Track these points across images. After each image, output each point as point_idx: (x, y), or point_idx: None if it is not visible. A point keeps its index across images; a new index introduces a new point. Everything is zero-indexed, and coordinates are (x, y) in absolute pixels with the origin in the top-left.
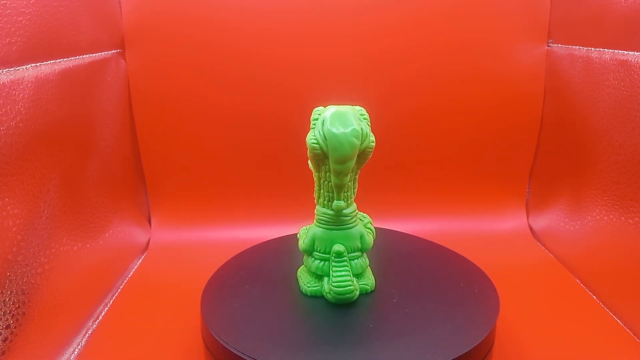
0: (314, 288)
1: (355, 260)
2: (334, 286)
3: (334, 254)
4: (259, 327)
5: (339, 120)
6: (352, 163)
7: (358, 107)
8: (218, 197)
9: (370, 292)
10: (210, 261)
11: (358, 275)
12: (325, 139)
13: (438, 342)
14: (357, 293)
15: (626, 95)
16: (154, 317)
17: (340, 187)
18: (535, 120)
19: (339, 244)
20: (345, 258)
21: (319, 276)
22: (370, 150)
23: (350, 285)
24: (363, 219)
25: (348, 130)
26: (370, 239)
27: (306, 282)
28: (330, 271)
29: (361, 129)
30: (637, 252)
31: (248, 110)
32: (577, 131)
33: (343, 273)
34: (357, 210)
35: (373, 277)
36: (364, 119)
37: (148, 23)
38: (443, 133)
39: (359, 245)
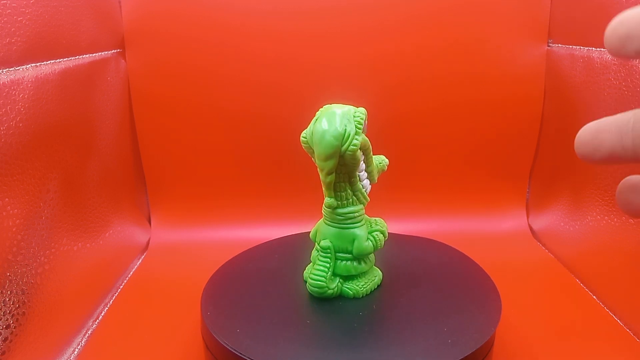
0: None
1: (344, 262)
2: (309, 277)
3: (320, 248)
4: (259, 327)
5: (327, 119)
6: (333, 162)
7: (359, 109)
8: (218, 197)
9: (354, 297)
10: (210, 261)
11: (345, 278)
12: (312, 135)
13: (440, 342)
14: (331, 292)
15: (627, 95)
16: (154, 317)
17: (326, 185)
18: (536, 120)
19: (326, 240)
20: (328, 254)
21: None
22: (351, 153)
23: (321, 282)
24: (372, 226)
25: (329, 129)
26: (365, 246)
27: (307, 268)
28: (315, 263)
29: (344, 130)
30: (637, 252)
31: (248, 110)
32: (577, 131)
33: (321, 268)
34: (358, 213)
35: (366, 287)
36: (355, 121)
37: (148, 23)
38: (443, 133)
39: (350, 248)
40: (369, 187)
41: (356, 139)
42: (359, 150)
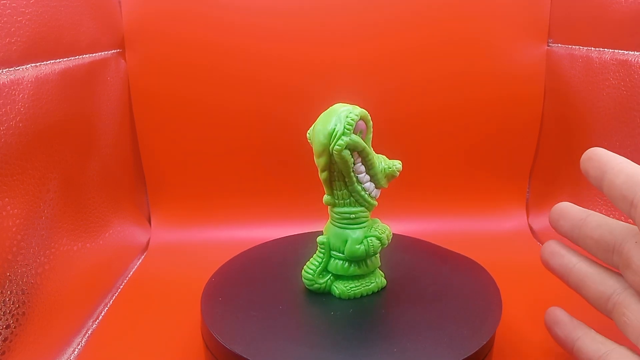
0: None
1: (336, 261)
2: (304, 268)
3: (317, 242)
4: (259, 327)
5: (323, 117)
6: (324, 160)
7: (355, 110)
8: (218, 197)
9: (339, 297)
10: (210, 261)
11: (335, 276)
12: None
13: (440, 343)
14: (318, 286)
15: (626, 95)
16: (154, 317)
17: (322, 181)
18: (536, 120)
19: (324, 236)
20: (322, 250)
21: None
22: (337, 152)
23: (309, 275)
24: (372, 229)
25: (321, 127)
26: (355, 249)
27: None
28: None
29: (333, 129)
30: None
31: (248, 109)
32: (577, 131)
33: (313, 262)
34: (355, 215)
35: (355, 290)
36: (345, 121)
37: (148, 23)
38: (443, 133)
39: (343, 249)
40: (374, 191)
41: (342, 139)
42: (346, 151)
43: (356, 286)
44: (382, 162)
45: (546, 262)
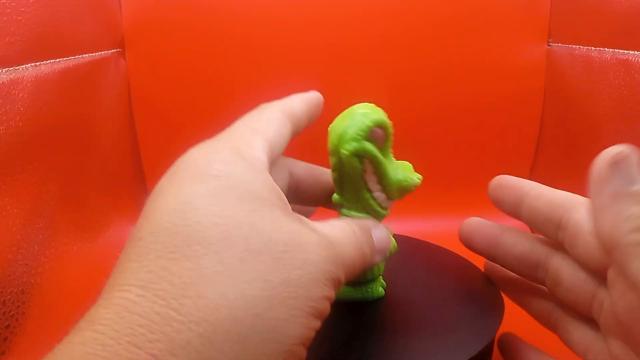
0: None
1: None
2: None
3: None
4: None
5: (343, 116)
6: (334, 160)
7: (372, 116)
8: None
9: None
10: None
11: None
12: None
13: (441, 344)
14: None
15: (626, 95)
16: None
17: (332, 180)
18: (536, 120)
19: None
20: None
21: None
22: (344, 157)
23: None
24: None
25: (335, 126)
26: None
27: None
28: None
29: (344, 131)
30: None
31: (248, 109)
32: (577, 131)
33: None
34: (350, 217)
35: (343, 294)
36: (357, 126)
37: (148, 22)
38: (442, 132)
39: None
40: (385, 202)
41: (350, 144)
42: (354, 157)
43: (341, 290)
44: (400, 173)
45: (466, 239)
